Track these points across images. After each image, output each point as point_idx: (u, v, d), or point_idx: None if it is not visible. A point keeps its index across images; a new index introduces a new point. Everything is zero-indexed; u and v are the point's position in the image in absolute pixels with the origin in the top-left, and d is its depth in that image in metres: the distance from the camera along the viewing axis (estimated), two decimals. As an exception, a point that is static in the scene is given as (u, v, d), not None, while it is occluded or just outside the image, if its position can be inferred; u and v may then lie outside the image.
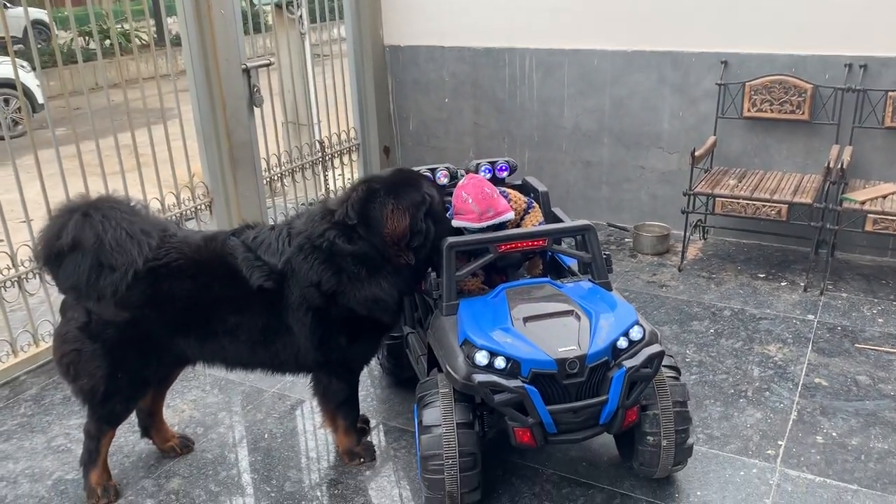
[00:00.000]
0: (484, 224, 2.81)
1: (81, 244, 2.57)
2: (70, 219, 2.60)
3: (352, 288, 2.71)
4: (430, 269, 2.90)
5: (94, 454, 2.86)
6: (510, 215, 2.89)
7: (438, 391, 2.62)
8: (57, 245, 2.59)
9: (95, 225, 2.59)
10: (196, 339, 2.79)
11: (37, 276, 3.83)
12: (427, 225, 2.74)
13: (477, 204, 2.81)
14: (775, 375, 3.51)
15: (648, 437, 2.66)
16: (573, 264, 3.06)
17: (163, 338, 2.74)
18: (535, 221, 3.05)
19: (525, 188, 3.43)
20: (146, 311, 2.68)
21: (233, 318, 2.74)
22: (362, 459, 3.06)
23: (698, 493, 2.80)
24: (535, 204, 3.12)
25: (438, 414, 2.56)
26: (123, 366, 2.72)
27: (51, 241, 2.61)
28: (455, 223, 2.86)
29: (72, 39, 13.30)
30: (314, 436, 3.30)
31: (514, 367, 2.46)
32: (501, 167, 3.33)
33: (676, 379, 2.72)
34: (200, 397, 3.55)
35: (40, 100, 10.01)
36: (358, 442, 3.08)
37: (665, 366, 2.71)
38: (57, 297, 4.01)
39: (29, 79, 9.51)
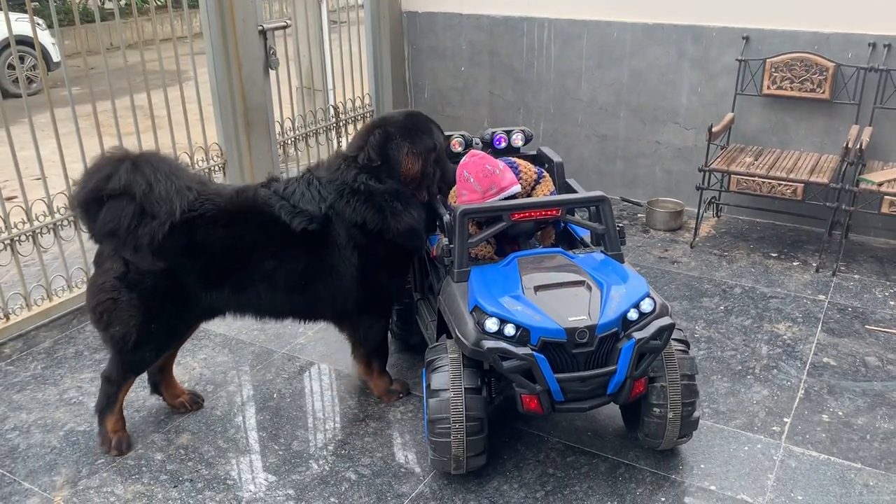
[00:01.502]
0: (490, 203, 2.82)
1: (132, 189, 2.65)
2: (121, 165, 2.68)
3: (395, 222, 2.88)
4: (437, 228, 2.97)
5: (112, 399, 2.93)
6: (516, 188, 2.87)
7: (447, 356, 2.64)
8: (108, 189, 2.65)
9: (147, 174, 2.68)
10: (231, 288, 2.86)
11: (51, 231, 3.86)
12: (435, 169, 2.99)
13: (479, 183, 2.82)
14: (783, 354, 3.51)
15: (655, 409, 2.67)
16: (586, 236, 3.06)
17: (198, 288, 2.81)
18: (545, 192, 3.04)
19: (540, 158, 3.42)
20: (182, 260, 2.76)
21: (271, 263, 2.83)
22: (401, 395, 3.24)
23: (702, 465, 2.82)
24: (545, 174, 3.10)
25: (447, 378, 2.58)
26: (158, 316, 2.80)
27: (100, 184, 2.67)
28: (458, 208, 2.79)
29: (86, -1, 13.28)
30: (322, 397, 3.33)
31: (524, 335, 2.47)
32: (516, 138, 3.32)
33: (685, 352, 2.73)
34: (211, 356, 3.59)
35: (56, 58, 10.01)
36: (391, 381, 3.23)
37: (674, 339, 2.72)
38: (70, 253, 4.09)
39: (45, 36, 9.49)
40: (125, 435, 2.98)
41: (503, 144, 3.41)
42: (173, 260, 2.74)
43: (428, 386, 2.64)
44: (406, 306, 3.41)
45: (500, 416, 3.03)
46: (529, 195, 3.04)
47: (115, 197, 2.67)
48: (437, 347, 2.74)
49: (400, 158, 2.91)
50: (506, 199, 2.86)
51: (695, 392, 2.69)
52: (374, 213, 2.86)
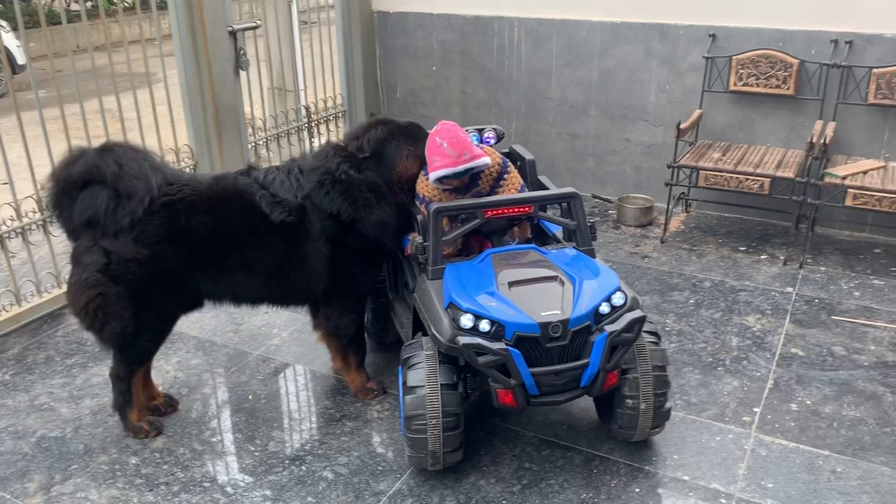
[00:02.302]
0: (461, 168, 2.78)
1: (102, 173, 2.67)
2: (85, 151, 2.73)
3: (366, 214, 2.91)
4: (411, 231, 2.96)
5: (127, 396, 2.96)
6: (486, 160, 2.86)
7: (423, 353, 2.65)
8: (74, 174, 2.68)
9: (117, 154, 2.71)
10: (211, 273, 2.89)
11: (19, 236, 3.80)
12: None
13: (452, 147, 2.79)
14: (753, 345, 3.58)
15: (627, 400, 2.71)
16: (558, 232, 3.09)
17: (181, 273, 2.83)
18: (514, 183, 3.04)
19: (512, 156, 3.44)
20: (164, 246, 2.76)
21: (251, 251, 2.87)
22: (376, 392, 3.23)
23: (675, 456, 2.87)
24: (510, 166, 3.08)
25: (423, 375, 2.60)
26: (148, 303, 2.80)
27: (66, 173, 2.70)
28: (431, 176, 2.83)
29: (53, 0, 13.08)
30: (297, 398, 3.33)
31: (499, 330, 2.50)
32: (488, 136, 3.33)
33: (656, 344, 2.77)
34: (185, 359, 3.57)
35: (20, 61, 9.85)
36: (368, 378, 3.24)
37: (646, 331, 2.76)
38: (39, 258, 4.03)
39: (9, 39, 9.33)
40: (153, 416, 3.04)
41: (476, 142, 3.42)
42: (156, 245, 2.75)
43: (404, 383, 2.65)
44: (381, 305, 3.42)
45: (477, 412, 3.06)
46: (499, 186, 3.02)
47: (87, 186, 2.68)
48: (412, 345, 2.75)
49: (398, 158, 2.96)
50: (476, 171, 2.88)
51: (666, 383, 2.74)
52: (348, 203, 2.89)
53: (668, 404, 2.77)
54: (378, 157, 2.97)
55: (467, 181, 2.95)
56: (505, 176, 3.03)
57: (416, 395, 2.59)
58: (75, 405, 3.24)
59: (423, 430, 2.58)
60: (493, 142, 3.42)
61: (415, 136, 3.03)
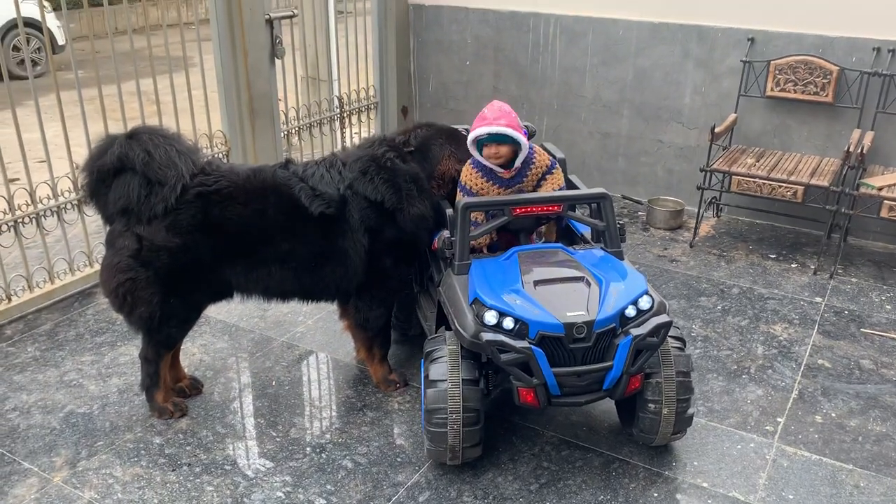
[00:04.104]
0: (493, 129, 2.82)
1: (131, 161, 2.69)
2: (115, 140, 2.74)
3: (408, 205, 2.94)
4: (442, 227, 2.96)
5: (154, 377, 3.00)
6: (523, 140, 2.87)
7: (446, 347, 2.66)
8: (105, 164, 2.71)
9: (144, 142, 2.73)
10: (243, 266, 2.90)
11: (54, 214, 3.87)
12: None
13: (490, 111, 2.88)
14: (779, 354, 3.54)
15: (650, 405, 2.69)
16: (586, 232, 3.08)
17: (212, 263, 2.85)
18: (555, 184, 3.03)
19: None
20: (197, 235, 2.78)
21: (286, 245, 2.88)
22: (398, 384, 3.25)
23: (695, 462, 2.85)
24: (557, 167, 3.09)
25: (445, 369, 2.61)
26: (177, 291, 2.84)
27: (97, 163, 2.73)
28: (469, 137, 2.90)
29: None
30: (320, 386, 3.36)
31: (522, 329, 2.49)
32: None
33: (681, 350, 2.75)
34: (210, 342, 3.61)
35: (60, 41, 9.99)
36: (391, 371, 3.26)
37: (671, 336, 2.74)
38: (73, 236, 4.10)
39: (50, 19, 9.48)
40: (178, 398, 3.10)
41: None
42: (188, 235, 2.77)
43: (426, 376, 2.66)
44: (406, 298, 3.44)
45: (496, 409, 3.06)
46: (539, 185, 3.03)
47: (119, 175, 2.72)
48: (436, 339, 2.76)
49: (440, 156, 3.03)
50: (522, 162, 2.92)
51: (690, 389, 2.72)
52: (393, 191, 2.92)
53: (690, 410, 2.75)
54: (423, 153, 3.03)
55: (514, 174, 2.95)
56: (547, 176, 3.02)
57: (437, 389, 2.60)
58: (103, 383, 3.30)
59: (444, 424, 2.59)
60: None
61: (458, 139, 3.10)
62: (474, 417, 2.61)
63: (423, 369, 2.72)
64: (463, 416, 2.58)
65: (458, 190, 3.03)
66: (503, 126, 2.83)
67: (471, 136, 2.89)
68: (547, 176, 3.03)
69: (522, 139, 2.87)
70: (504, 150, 2.89)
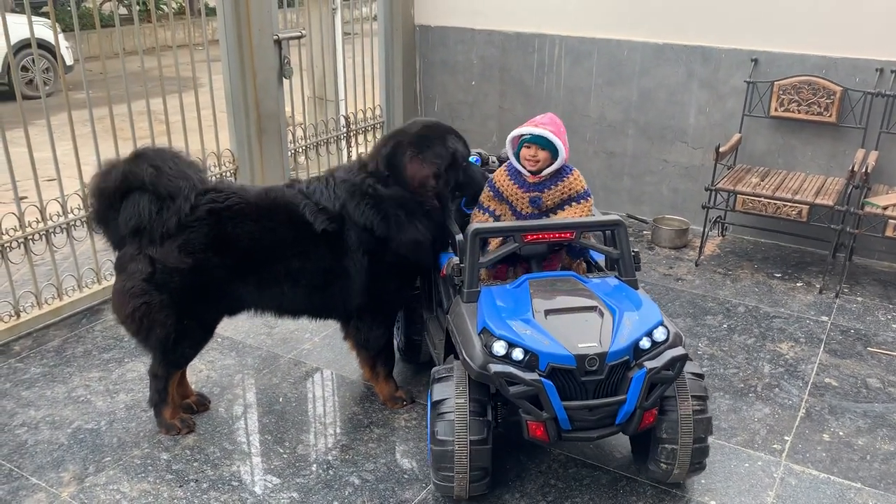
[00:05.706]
0: (538, 130, 2.90)
1: (139, 177, 2.71)
2: (115, 164, 2.77)
3: (398, 233, 2.89)
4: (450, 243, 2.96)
5: (163, 394, 3.01)
6: (562, 151, 2.91)
7: (454, 378, 2.57)
8: (111, 185, 2.72)
9: (150, 158, 2.75)
10: (255, 284, 2.90)
11: (64, 231, 3.90)
12: (447, 176, 2.97)
13: (541, 118, 2.98)
14: (785, 373, 3.54)
15: (665, 444, 2.58)
16: (600, 260, 3.02)
17: (225, 282, 2.86)
18: (581, 213, 2.98)
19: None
20: (209, 255, 2.79)
21: (296, 262, 2.89)
22: (405, 402, 3.25)
23: (703, 480, 2.84)
24: (591, 198, 3.03)
25: (452, 403, 2.52)
26: (190, 312, 2.85)
27: (103, 184, 2.75)
28: (511, 134, 2.98)
29: (101, 3, 13.41)
30: (326, 402, 3.36)
31: (532, 360, 2.40)
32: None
33: (699, 384, 2.65)
34: (217, 359, 3.62)
35: (69, 62, 10.09)
36: (397, 388, 3.25)
37: (688, 372, 2.64)
38: (81, 253, 4.13)
39: (59, 40, 9.57)
40: (185, 414, 3.11)
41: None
42: (201, 254, 2.78)
43: (433, 406, 2.58)
44: (412, 329, 3.39)
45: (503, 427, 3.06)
46: (562, 206, 2.98)
47: (127, 196, 2.73)
48: (443, 368, 2.68)
49: (404, 164, 2.92)
50: (556, 172, 2.95)
51: (708, 428, 2.61)
52: (380, 220, 2.89)
53: (706, 444, 2.65)
54: (395, 173, 2.94)
55: (539, 181, 2.97)
56: (574, 203, 3.00)
57: (444, 422, 2.52)
58: (111, 399, 3.31)
59: (450, 457, 2.51)
60: (480, 161, 3.40)
61: (422, 138, 2.96)
62: (483, 453, 2.53)
63: (430, 399, 2.65)
64: (470, 449, 2.50)
65: (486, 186, 3.05)
66: (548, 131, 2.88)
67: (514, 133, 2.95)
68: (575, 202, 2.99)
69: (562, 151, 2.91)
70: (542, 155, 2.92)
